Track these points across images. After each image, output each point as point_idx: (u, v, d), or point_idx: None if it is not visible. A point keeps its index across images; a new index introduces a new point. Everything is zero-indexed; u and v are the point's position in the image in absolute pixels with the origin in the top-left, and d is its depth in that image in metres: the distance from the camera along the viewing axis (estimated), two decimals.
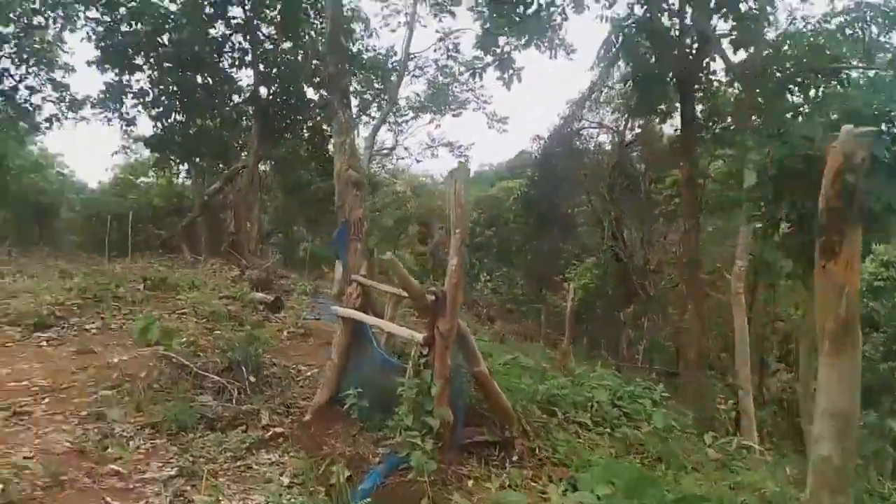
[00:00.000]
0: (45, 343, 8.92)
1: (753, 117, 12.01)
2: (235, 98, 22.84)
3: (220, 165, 23.16)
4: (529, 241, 27.05)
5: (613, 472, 4.54)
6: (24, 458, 5.00)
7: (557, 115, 26.57)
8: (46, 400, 6.57)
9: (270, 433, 5.63)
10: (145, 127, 22.97)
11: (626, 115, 24.02)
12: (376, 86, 23.90)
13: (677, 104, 14.66)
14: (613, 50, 13.16)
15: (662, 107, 15.07)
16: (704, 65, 13.84)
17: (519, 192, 27.23)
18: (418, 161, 31.31)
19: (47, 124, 22.23)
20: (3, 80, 21.02)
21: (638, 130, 24.03)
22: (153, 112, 21.49)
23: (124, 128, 22.39)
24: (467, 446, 5.04)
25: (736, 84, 14.34)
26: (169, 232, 22.02)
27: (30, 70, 21.46)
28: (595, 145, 26.59)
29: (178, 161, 23.48)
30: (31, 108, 21.80)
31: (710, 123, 15.26)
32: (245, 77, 22.70)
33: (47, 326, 9.46)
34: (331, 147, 23.28)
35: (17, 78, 21.25)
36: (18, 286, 11.81)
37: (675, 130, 19.95)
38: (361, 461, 4.90)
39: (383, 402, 5.43)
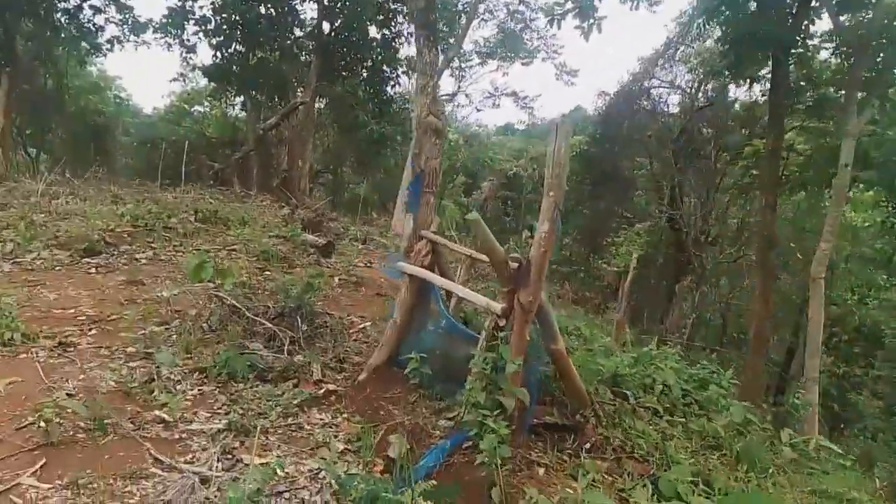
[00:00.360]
0: (94, 270, 8.77)
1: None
2: (297, 32, 22.21)
3: (276, 99, 22.75)
4: (583, 201, 26.17)
5: (702, 479, 4.06)
6: (67, 394, 4.79)
7: (627, 72, 25.33)
8: (93, 331, 6.38)
9: (323, 390, 5.28)
10: (205, 55, 22.57)
11: (700, 77, 22.72)
12: (443, 28, 22.94)
13: (763, 69, 13.61)
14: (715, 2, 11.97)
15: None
16: (802, 27, 12.65)
17: (578, 149, 26.24)
18: (479, 110, 30.27)
19: (108, 46, 21.91)
20: None
21: (712, 94, 22.68)
22: (214, 41, 21.06)
23: (184, 55, 22.02)
24: (534, 428, 4.60)
25: (830, 51, 13.23)
26: (221, 164, 21.82)
27: None
28: (664, 106, 25.24)
29: (234, 92, 23.17)
30: (93, 29, 21.50)
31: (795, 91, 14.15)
32: (309, 10, 22.07)
33: (97, 252, 9.32)
34: (389, 89, 22.70)
35: None
36: (70, 208, 11.71)
37: (762, 97, 18.81)
38: (421, 432, 4.51)
39: (447, 371, 5.03)
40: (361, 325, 7.33)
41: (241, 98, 23.75)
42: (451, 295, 5.81)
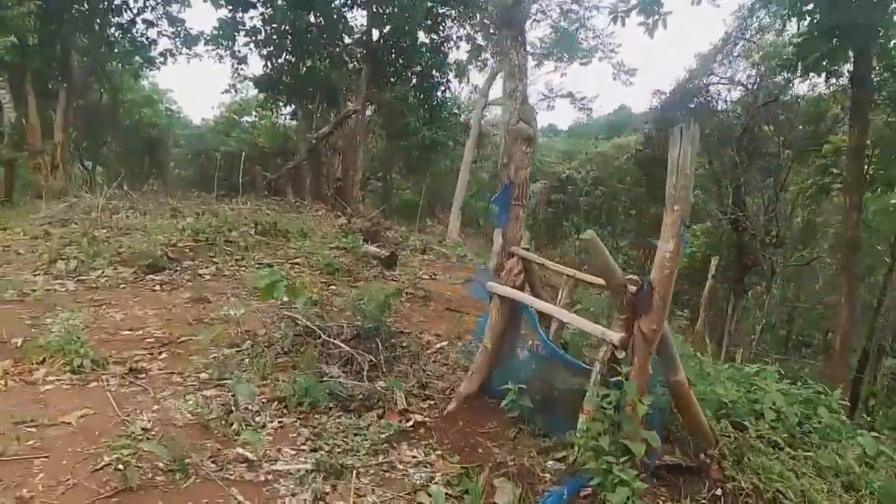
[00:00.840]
0: (158, 287, 8.57)
1: None
2: (346, 39, 22.08)
3: (325, 106, 22.63)
4: (638, 203, 25.42)
5: None
6: (143, 429, 4.48)
7: (684, 69, 24.49)
8: (163, 355, 6.12)
9: (411, 422, 4.86)
10: (255, 66, 22.55)
11: (762, 72, 21.76)
12: (492, 31, 22.47)
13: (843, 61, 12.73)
14: None
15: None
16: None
17: (632, 150, 25.50)
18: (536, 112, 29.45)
19: (162, 59, 22.17)
20: (121, 13, 20.97)
21: (775, 90, 21.68)
22: (264, 51, 21.12)
23: (235, 66, 22.11)
24: (656, 470, 4.09)
25: None
26: (274, 174, 21.78)
27: (147, 3, 21.30)
28: (724, 103, 24.29)
29: (285, 102, 23.17)
30: (146, 42, 21.75)
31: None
32: (359, 17, 21.92)
33: (160, 269, 9.14)
34: (439, 94, 22.35)
35: (135, 11, 21.18)
36: (131, 223, 11.64)
37: (826, 90, 17.87)
38: (528, 475, 4.04)
39: (548, 403, 4.56)
40: (438, 345, 6.90)
41: (291, 107, 23.75)
42: (545, 318, 5.34)
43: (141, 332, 6.74)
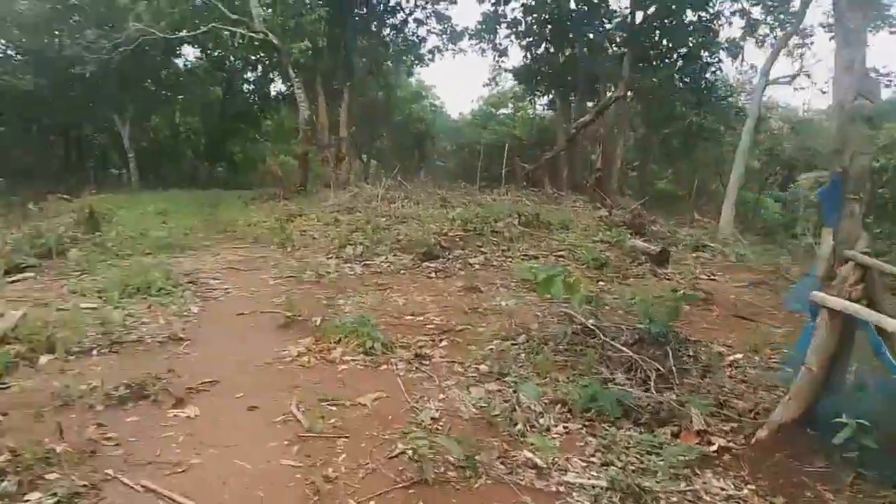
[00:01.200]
0: (433, 274, 8.93)
1: None
2: (606, 24, 21.40)
3: (582, 94, 22.16)
4: None
5: None
6: (432, 418, 4.49)
7: None
8: (443, 343, 6.27)
9: (715, 447, 4.26)
10: (514, 58, 22.88)
11: None
12: (772, 2, 20.01)
13: None
14: None
15: None
16: None
17: None
18: (824, 92, 25.76)
19: (430, 56, 23.50)
20: (395, 14, 22.60)
21: None
22: (524, 42, 21.36)
23: (496, 59, 22.69)
24: None
25: None
26: (531, 164, 21.87)
27: (418, 3, 22.68)
28: None
29: (543, 92, 23.20)
30: (417, 41, 23.21)
31: None
32: None
33: (434, 257, 9.56)
34: (708, 75, 20.66)
35: (407, 11, 22.69)
36: (406, 212, 12.38)
37: None
38: None
39: None
40: (731, 358, 6.12)
41: (549, 97, 23.70)
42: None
43: (422, 318, 7.01)
